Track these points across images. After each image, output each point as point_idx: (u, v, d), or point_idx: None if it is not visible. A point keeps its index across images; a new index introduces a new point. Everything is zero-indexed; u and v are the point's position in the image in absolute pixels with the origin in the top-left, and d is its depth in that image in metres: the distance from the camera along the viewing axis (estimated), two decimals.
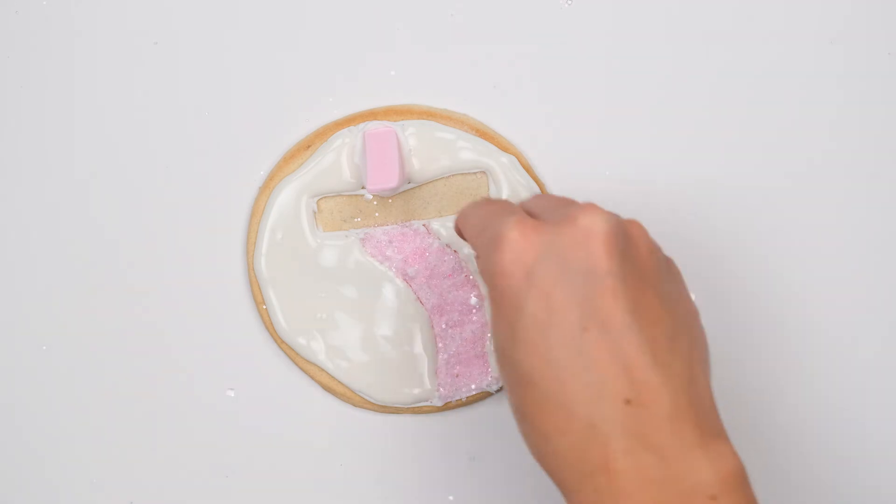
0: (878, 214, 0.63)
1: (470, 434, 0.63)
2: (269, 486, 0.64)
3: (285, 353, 0.63)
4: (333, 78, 0.64)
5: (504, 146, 0.63)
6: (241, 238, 0.64)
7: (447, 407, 0.63)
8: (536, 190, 0.62)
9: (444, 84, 0.64)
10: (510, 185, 0.62)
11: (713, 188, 0.63)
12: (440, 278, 0.62)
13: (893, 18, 0.64)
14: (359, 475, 0.63)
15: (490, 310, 0.48)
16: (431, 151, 0.62)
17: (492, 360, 0.62)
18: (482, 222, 0.49)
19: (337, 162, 0.63)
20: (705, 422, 0.45)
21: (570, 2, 0.64)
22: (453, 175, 0.63)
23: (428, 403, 0.62)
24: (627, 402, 0.44)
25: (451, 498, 0.63)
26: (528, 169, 0.63)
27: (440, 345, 0.62)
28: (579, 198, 0.63)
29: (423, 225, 0.63)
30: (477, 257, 0.49)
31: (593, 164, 0.64)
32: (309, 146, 0.63)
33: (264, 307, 0.63)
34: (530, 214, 0.49)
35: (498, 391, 0.63)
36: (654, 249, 0.48)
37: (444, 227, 0.62)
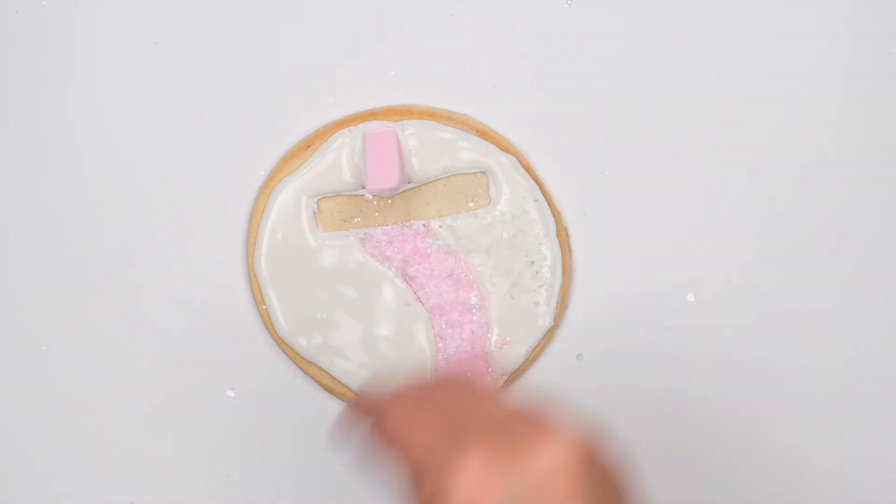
0: (878, 214, 0.63)
1: None
2: (269, 486, 0.64)
3: (285, 353, 0.63)
4: (333, 78, 0.64)
5: (504, 146, 0.63)
6: (241, 238, 0.64)
7: None
8: (537, 190, 0.62)
9: (444, 84, 0.64)
10: (510, 185, 0.62)
11: (713, 188, 0.63)
12: (440, 278, 0.62)
13: (893, 18, 0.64)
14: (359, 475, 0.63)
15: None
16: (431, 151, 0.62)
17: (492, 360, 0.62)
18: (424, 438, 0.43)
19: (337, 162, 0.63)
20: None
21: (570, 2, 0.64)
22: (453, 175, 0.63)
23: None
24: None
25: None
26: (528, 169, 0.63)
27: (440, 345, 0.62)
28: (579, 198, 0.64)
29: (423, 225, 0.63)
30: (416, 477, 0.43)
31: (593, 164, 0.64)
32: (309, 146, 0.63)
33: (264, 307, 0.63)
34: (473, 433, 0.42)
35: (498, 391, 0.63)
36: (617, 466, 0.43)
37: (444, 226, 0.62)
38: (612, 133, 0.64)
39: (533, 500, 0.41)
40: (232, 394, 0.64)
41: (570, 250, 0.63)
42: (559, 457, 0.41)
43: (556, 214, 0.63)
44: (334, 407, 0.63)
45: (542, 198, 0.62)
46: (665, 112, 0.64)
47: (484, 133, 0.63)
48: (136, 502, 0.64)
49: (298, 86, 0.64)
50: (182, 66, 0.64)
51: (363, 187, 0.62)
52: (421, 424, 0.44)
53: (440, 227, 0.63)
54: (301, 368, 0.63)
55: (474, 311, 0.62)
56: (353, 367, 0.62)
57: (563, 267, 0.62)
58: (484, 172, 0.63)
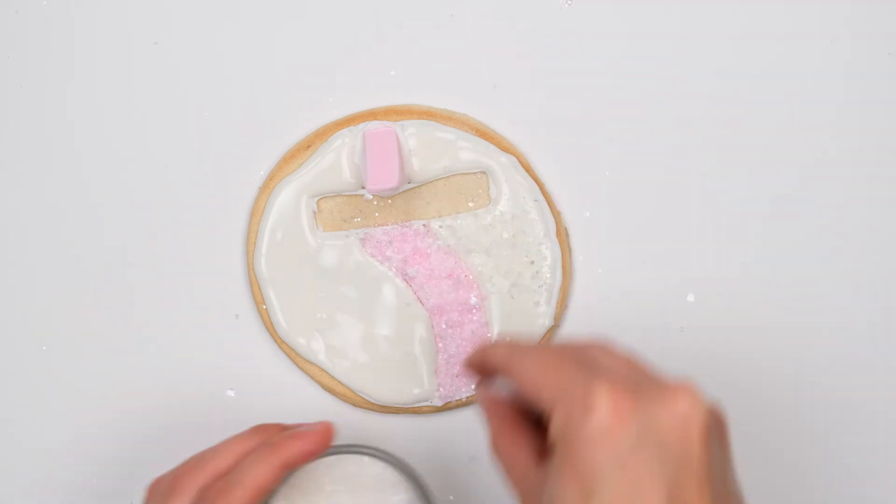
0: (878, 214, 0.63)
1: (470, 434, 0.63)
2: None
3: (285, 353, 0.63)
4: (333, 78, 0.64)
5: (504, 146, 0.63)
6: (241, 238, 0.64)
7: (447, 407, 0.63)
8: (537, 190, 0.62)
9: (444, 84, 0.64)
10: (510, 185, 0.62)
11: (713, 188, 0.63)
12: (440, 278, 0.62)
13: (893, 18, 0.64)
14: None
15: (558, 468, 0.45)
16: (431, 151, 0.62)
17: None
18: (558, 376, 0.46)
19: (337, 162, 0.63)
20: None
21: (570, 2, 0.64)
22: (453, 175, 0.63)
23: (428, 403, 0.62)
24: None
25: (451, 498, 0.63)
26: (528, 169, 0.63)
27: (440, 345, 0.62)
28: (579, 198, 0.64)
29: (423, 225, 0.63)
30: (550, 413, 0.46)
31: (593, 164, 0.64)
32: (309, 146, 0.63)
33: (264, 307, 0.63)
34: (607, 375, 0.46)
35: None
36: (728, 439, 0.47)
37: (444, 226, 0.62)
38: (612, 133, 0.64)
39: (664, 442, 0.44)
40: (232, 394, 0.64)
41: (570, 250, 0.63)
42: (691, 411, 0.44)
43: (556, 214, 0.63)
44: (334, 407, 0.63)
45: (542, 198, 0.62)
46: (665, 112, 0.64)
47: (484, 133, 0.63)
48: (137, 503, 0.64)
49: (298, 86, 0.64)
50: (182, 66, 0.64)
51: (363, 187, 0.62)
52: (555, 364, 0.46)
53: (440, 227, 0.63)
54: (301, 368, 0.63)
55: (474, 310, 0.62)
56: (353, 367, 0.62)
57: (563, 267, 0.62)
58: (484, 172, 0.63)
